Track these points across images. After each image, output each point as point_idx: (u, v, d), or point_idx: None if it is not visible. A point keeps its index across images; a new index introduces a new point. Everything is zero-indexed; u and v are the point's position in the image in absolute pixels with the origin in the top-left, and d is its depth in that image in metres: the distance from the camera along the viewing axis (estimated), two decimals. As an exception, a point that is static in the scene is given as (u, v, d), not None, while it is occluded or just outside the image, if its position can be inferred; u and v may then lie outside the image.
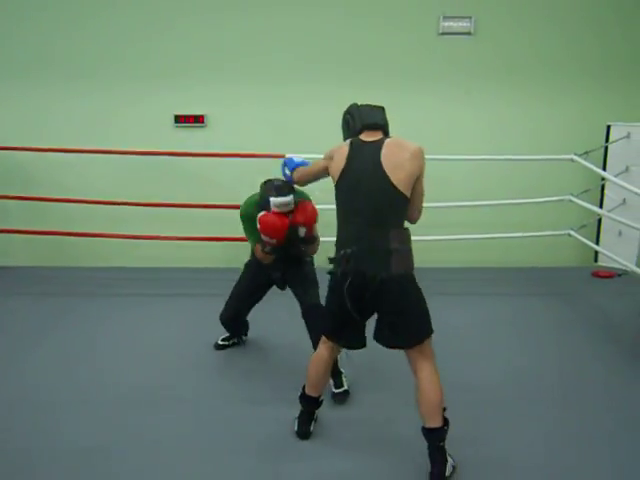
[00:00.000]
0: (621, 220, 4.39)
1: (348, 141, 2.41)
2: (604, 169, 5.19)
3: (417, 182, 2.34)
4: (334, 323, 2.47)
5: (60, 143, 4.88)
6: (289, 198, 2.91)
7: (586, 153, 4.77)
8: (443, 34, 5.16)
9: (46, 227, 4.98)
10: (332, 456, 2.53)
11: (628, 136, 5.03)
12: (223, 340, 3.62)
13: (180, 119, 5.22)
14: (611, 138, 5.14)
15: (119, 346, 3.67)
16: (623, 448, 2.60)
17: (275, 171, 3.17)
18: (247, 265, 3.41)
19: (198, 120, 5.21)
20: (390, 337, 2.36)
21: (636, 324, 4.08)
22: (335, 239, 2.43)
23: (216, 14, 5.07)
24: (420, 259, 5.56)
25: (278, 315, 3.83)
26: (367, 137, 2.40)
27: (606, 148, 5.15)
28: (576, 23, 5.19)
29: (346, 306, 2.30)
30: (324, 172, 2.56)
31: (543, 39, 5.20)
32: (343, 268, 2.29)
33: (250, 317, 3.56)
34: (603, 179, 5.13)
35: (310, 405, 2.67)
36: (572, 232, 4.94)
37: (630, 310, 4.24)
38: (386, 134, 2.45)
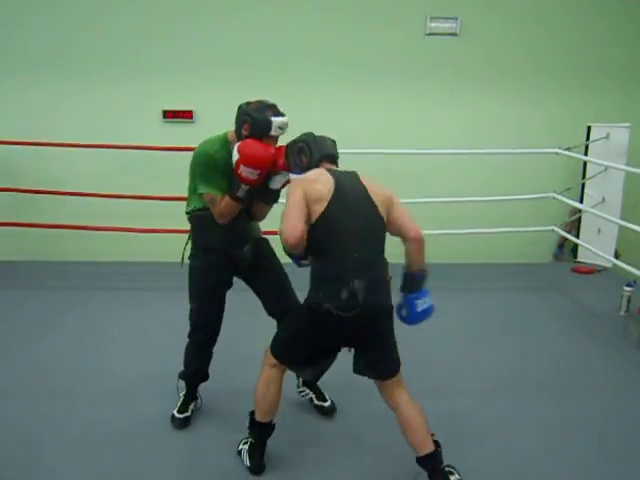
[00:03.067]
0: (606, 217, 4.52)
1: (320, 169, 2.24)
2: (584, 169, 5.33)
3: (394, 208, 2.25)
4: (305, 357, 2.31)
5: (50, 137, 4.90)
6: (287, 119, 2.45)
7: (568, 149, 4.89)
8: (430, 34, 5.26)
9: (33, 221, 5.01)
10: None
11: (607, 137, 5.17)
12: (181, 411, 2.76)
13: (168, 114, 5.26)
14: (591, 139, 5.27)
15: (114, 339, 3.73)
16: (611, 433, 2.71)
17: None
18: (196, 267, 2.60)
19: (186, 115, 5.26)
20: (382, 366, 2.26)
21: (615, 317, 4.20)
22: (319, 272, 2.19)
23: (205, 11, 5.12)
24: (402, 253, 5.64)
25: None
26: (332, 166, 2.31)
27: (586, 148, 5.28)
28: (558, 26, 5.32)
29: (332, 342, 2.25)
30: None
31: (526, 41, 5.32)
32: (351, 302, 2.08)
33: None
34: (584, 178, 5.27)
35: (264, 433, 2.41)
36: (555, 228, 5.06)
37: (610, 305, 4.36)
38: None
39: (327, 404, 2.84)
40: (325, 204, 2.12)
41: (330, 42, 5.21)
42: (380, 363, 2.25)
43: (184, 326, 2.70)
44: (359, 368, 2.28)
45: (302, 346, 2.27)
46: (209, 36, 5.16)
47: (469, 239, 5.25)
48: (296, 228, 2.05)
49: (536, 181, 5.29)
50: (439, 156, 5.11)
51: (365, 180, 2.25)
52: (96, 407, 2.87)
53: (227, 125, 2.74)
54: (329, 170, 2.23)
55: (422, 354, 3.21)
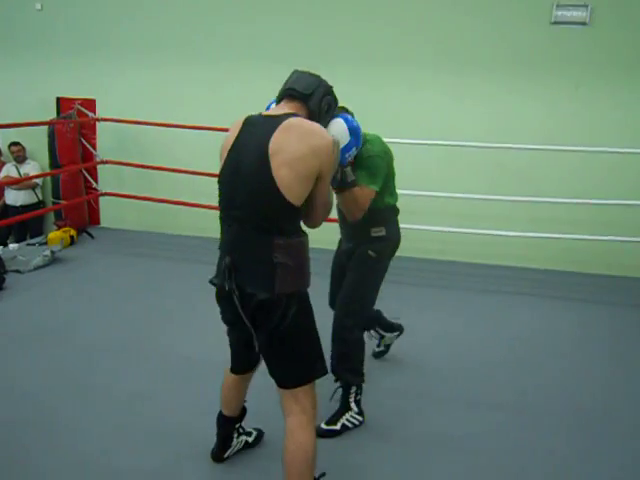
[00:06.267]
0: None
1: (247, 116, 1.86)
2: None
3: (318, 184, 1.76)
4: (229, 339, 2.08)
5: (175, 119, 5.33)
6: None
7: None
8: (556, 23, 4.94)
9: (153, 195, 5.45)
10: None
11: None
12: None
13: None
14: None
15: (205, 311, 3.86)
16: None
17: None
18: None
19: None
20: (271, 368, 1.89)
21: None
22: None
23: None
24: (507, 254, 5.35)
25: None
26: (275, 110, 1.83)
27: None
28: None
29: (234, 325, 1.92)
30: None
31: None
32: (226, 281, 1.76)
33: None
34: None
35: (220, 425, 2.25)
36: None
37: None
38: (312, 112, 1.83)
39: (326, 427, 2.55)
40: (220, 163, 1.85)
41: (449, 31, 5.07)
42: (267, 363, 1.89)
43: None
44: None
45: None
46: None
47: (577, 245, 4.89)
48: None
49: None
50: (553, 153, 4.81)
51: (285, 135, 1.69)
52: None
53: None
54: (251, 117, 1.82)
55: (524, 370, 3.00)
